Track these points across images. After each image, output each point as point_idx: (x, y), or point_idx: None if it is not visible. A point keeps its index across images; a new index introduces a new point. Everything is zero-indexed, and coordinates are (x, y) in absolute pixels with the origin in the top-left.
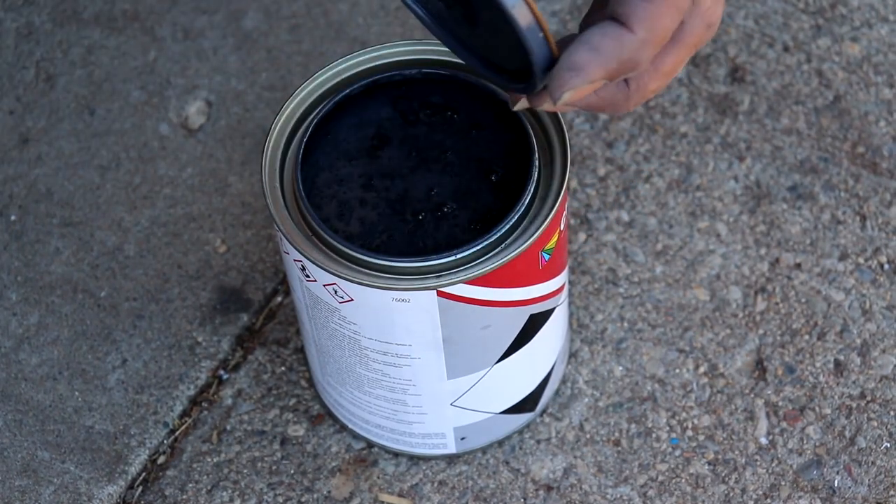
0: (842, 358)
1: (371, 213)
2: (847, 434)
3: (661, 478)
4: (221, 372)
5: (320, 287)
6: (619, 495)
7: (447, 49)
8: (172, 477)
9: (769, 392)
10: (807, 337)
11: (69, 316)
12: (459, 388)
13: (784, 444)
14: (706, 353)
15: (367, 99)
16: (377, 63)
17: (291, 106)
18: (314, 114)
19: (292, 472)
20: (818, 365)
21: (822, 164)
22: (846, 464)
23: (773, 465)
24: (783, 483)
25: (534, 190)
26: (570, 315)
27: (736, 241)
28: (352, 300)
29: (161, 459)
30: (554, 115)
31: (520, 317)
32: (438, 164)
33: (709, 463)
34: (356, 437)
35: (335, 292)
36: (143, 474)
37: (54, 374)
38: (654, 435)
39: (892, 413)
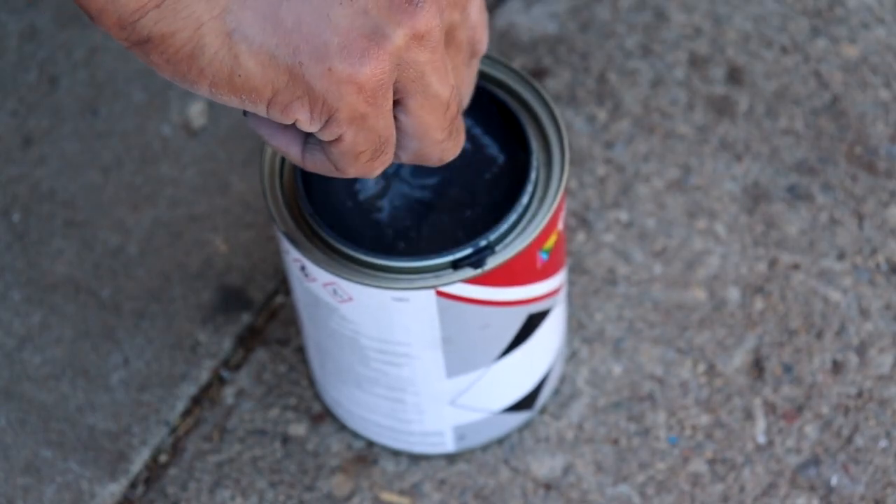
0: (839, 357)
1: (370, 213)
2: (844, 433)
3: (659, 476)
4: (223, 371)
5: (319, 287)
6: (617, 494)
7: None
8: (174, 475)
9: (767, 391)
10: (805, 336)
11: (72, 316)
12: (458, 387)
13: (782, 442)
14: (704, 353)
15: None
16: None
17: None
18: None
19: (293, 470)
20: (816, 364)
21: (819, 164)
22: (844, 462)
23: (771, 463)
24: (781, 481)
25: (532, 190)
26: (569, 314)
27: (734, 242)
28: (351, 300)
29: (163, 458)
30: (552, 116)
31: (518, 316)
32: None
33: (707, 461)
34: (356, 435)
35: (334, 292)
36: (145, 473)
37: (57, 373)
38: (652, 434)
39: (889, 412)
